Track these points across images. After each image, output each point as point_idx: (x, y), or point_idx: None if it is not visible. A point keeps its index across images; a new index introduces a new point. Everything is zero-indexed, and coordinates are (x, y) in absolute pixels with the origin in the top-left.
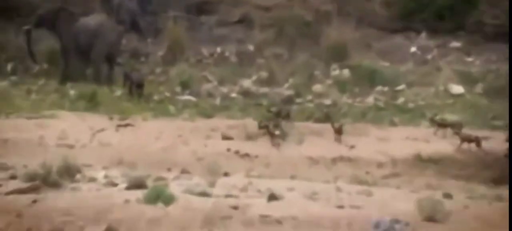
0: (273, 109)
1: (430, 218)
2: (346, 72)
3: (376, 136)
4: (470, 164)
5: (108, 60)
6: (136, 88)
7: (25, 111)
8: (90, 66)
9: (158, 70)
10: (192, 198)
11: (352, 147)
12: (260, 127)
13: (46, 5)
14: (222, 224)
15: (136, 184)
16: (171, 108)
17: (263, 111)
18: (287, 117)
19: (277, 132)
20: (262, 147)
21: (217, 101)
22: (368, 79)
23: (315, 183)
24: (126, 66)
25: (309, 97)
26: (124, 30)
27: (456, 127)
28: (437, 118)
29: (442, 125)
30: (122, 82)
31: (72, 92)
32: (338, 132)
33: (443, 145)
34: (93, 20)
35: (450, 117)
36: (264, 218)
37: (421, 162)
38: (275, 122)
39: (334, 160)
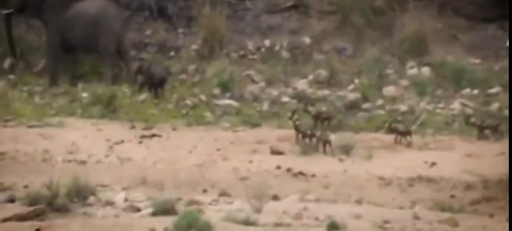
0: (311, 109)
1: None
2: (425, 71)
3: (463, 150)
4: None
5: (118, 55)
6: (157, 86)
7: (27, 118)
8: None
9: (191, 68)
10: (233, 227)
11: (433, 164)
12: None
13: None
14: None
15: (164, 209)
16: (208, 115)
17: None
18: (327, 121)
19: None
20: (320, 163)
21: (265, 106)
22: (453, 80)
23: (387, 209)
24: (146, 62)
25: (380, 102)
26: (129, 16)
27: None
28: None
29: None
30: (133, 78)
31: (84, 95)
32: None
33: None
34: (92, 6)
35: None
36: None
37: None
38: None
39: (411, 181)
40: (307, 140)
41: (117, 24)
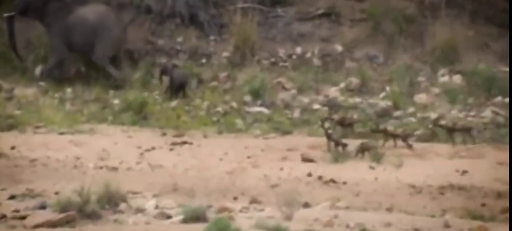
0: (335, 116)
1: None
2: (457, 78)
3: (495, 158)
4: None
5: (114, 61)
6: (177, 89)
7: (58, 125)
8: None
9: (222, 75)
10: None
11: (464, 172)
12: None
13: None
14: None
15: (195, 217)
16: (239, 122)
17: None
18: (350, 126)
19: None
20: (351, 171)
21: (296, 114)
22: (485, 87)
23: (418, 217)
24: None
25: (411, 109)
26: (129, 23)
27: None
28: None
29: None
30: (159, 79)
31: (115, 101)
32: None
33: None
34: (93, 13)
35: None
36: None
37: None
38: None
39: (442, 189)
40: (339, 148)
41: (117, 30)
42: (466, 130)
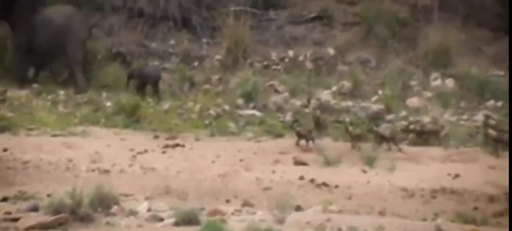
0: (317, 113)
1: None
2: (449, 82)
3: (487, 162)
4: None
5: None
6: (151, 86)
7: (50, 127)
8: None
9: (215, 77)
10: None
11: (456, 176)
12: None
13: None
14: None
15: (187, 219)
16: (231, 125)
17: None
18: (319, 126)
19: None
20: (343, 174)
21: (288, 117)
22: (478, 91)
23: (410, 220)
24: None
25: (403, 113)
26: (95, 23)
27: None
28: None
29: None
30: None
31: (108, 104)
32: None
33: None
34: (60, 13)
35: None
36: None
37: None
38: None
39: (434, 192)
40: (310, 142)
41: (84, 32)
42: (435, 133)
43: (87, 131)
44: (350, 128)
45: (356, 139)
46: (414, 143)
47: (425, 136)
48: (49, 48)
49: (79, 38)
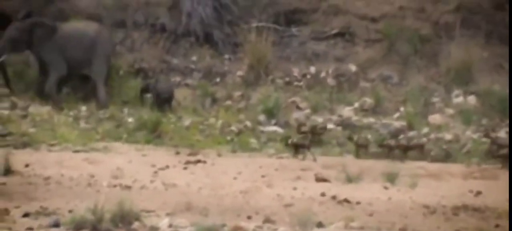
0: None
1: None
2: (471, 99)
3: (508, 179)
4: None
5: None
6: (163, 102)
7: (72, 143)
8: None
9: (236, 94)
10: None
11: (478, 193)
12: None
13: (15, 25)
14: None
15: None
16: (253, 141)
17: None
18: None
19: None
20: (365, 191)
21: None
22: (499, 109)
23: None
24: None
25: (425, 130)
26: (121, 41)
27: None
28: None
29: None
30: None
31: (130, 120)
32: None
33: None
34: (89, 28)
35: None
36: None
37: None
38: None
39: (456, 209)
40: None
41: (110, 48)
42: (419, 147)
43: (109, 147)
44: (355, 138)
45: (361, 148)
46: (437, 160)
47: (409, 152)
48: (79, 61)
49: (105, 54)
